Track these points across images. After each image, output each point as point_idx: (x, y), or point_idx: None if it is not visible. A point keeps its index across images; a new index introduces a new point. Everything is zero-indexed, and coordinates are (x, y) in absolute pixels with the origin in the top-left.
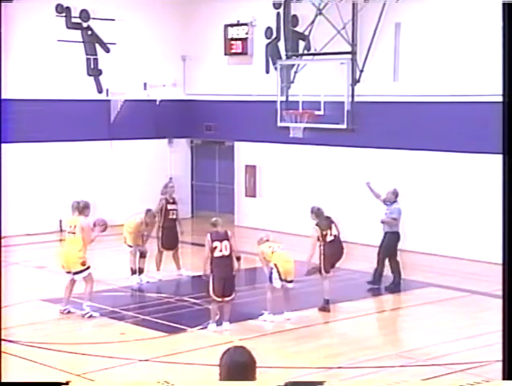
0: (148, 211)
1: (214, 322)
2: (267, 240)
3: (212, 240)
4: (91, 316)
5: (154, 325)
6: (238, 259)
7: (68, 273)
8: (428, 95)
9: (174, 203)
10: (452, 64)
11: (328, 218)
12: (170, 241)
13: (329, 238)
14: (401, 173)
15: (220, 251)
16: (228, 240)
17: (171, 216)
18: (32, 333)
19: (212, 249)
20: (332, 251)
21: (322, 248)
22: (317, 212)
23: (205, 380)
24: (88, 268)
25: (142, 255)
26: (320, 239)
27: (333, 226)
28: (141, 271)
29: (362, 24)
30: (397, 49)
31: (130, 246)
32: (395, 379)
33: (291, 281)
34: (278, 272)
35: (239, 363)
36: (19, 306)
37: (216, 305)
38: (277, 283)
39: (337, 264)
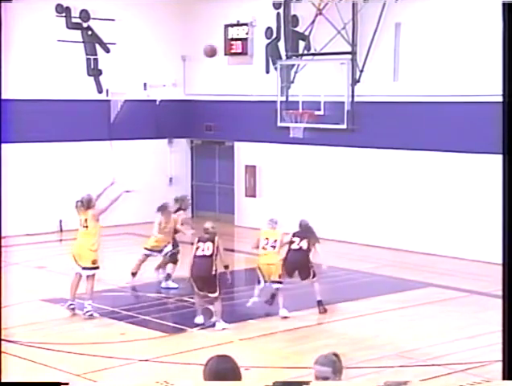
0: (160, 207)
1: (200, 314)
2: (274, 226)
3: (198, 241)
4: (91, 315)
5: (154, 325)
6: (226, 267)
7: (78, 266)
8: (428, 95)
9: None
10: (453, 64)
11: (307, 232)
12: None
13: (294, 246)
14: (401, 173)
15: (202, 250)
16: (212, 242)
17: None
18: (32, 333)
19: (195, 249)
20: (294, 259)
21: (286, 252)
22: (304, 226)
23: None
24: (97, 268)
25: (173, 260)
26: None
27: (306, 241)
28: (169, 277)
29: (362, 24)
30: (397, 49)
31: (149, 249)
32: (395, 379)
33: (276, 282)
34: (261, 274)
35: (224, 370)
36: (19, 306)
37: (198, 299)
38: (261, 283)
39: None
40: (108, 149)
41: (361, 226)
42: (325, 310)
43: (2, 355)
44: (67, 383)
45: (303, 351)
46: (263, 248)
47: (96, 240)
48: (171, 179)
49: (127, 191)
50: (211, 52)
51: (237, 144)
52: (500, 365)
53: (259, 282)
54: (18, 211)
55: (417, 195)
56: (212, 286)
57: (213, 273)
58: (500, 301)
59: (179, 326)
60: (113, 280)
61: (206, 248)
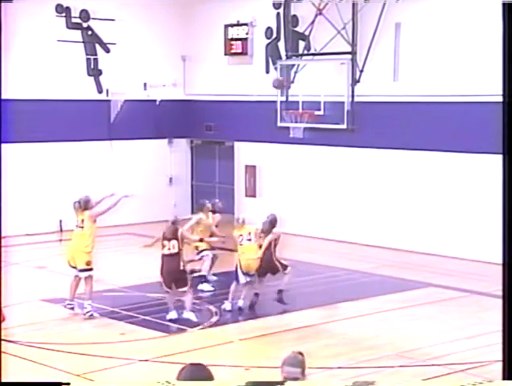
0: (198, 207)
1: (173, 309)
2: (242, 224)
3: (163, 238)
4: (92, 315)
5: (154, 325)
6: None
7: (74, 267)
8: (428, 95)
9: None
10: (453, 64)
11: (271, 227)
12: None
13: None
14: (401, 173)
15: (169, 249)
16: (176, 239)
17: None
18: (32, 333)
19: (162, 247)
20: (264, 259)
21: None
22: (269, 221)
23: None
24: (91, 269)
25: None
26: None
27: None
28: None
29: (362, 24)
30: (397, 49)
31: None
32: (395, 379)
33: (252, 275)
34: (240, 268)
35: (198, 379)
36: (19, 306)
37: (169, 295)
38: (241, 279)
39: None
40: (108, 150)
41: (361, 226)
42: (281, 300)
43: (2, 355)
44: (67, 384)
45: (303, 351)
46: (240, 244)
47: (90, 242)
48: (171, 179)
49: (126, 196)
50: (278, 84)
51: (237, 144)
52: (500, 365)
53: (237, 280)
54: (18, 211)
55: (417, 195)
56: (181, 281)
57: (182, 268)
58: (500, 301)
59: (179, 326)
60: (112, 280)
61: (172, 247)
